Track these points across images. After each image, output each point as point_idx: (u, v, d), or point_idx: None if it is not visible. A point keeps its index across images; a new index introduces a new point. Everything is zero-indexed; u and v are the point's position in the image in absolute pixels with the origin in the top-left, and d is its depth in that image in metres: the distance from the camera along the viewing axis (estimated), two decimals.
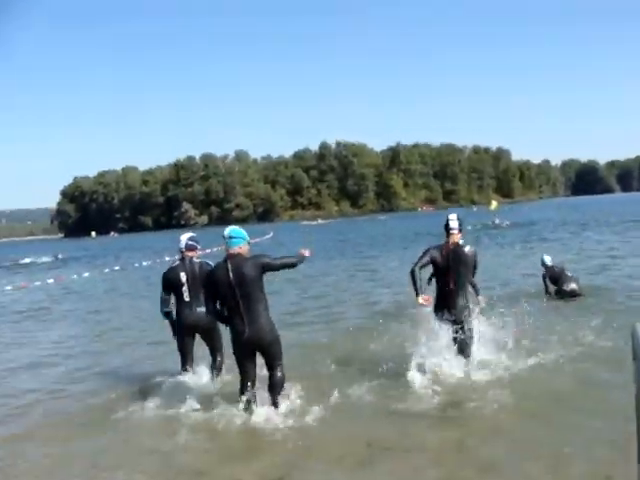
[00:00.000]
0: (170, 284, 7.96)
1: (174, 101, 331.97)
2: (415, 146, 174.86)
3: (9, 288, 24.85)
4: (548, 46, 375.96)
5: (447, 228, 7.83)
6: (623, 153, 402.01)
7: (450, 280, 7.69)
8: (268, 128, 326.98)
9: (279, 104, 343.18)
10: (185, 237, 8.17)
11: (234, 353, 6.71)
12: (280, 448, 5.98)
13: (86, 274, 28.47)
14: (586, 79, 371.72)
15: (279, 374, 6.71)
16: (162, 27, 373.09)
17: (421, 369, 7.77)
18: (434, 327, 7.83)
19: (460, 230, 7.88)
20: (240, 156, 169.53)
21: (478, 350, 7.97)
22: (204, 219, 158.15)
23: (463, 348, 7.75)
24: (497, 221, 46.75)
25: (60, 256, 50.17)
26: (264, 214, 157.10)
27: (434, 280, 8.13)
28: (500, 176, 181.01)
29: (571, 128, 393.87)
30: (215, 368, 8.14)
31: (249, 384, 6.69)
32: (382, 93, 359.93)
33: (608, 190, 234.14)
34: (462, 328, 7.68)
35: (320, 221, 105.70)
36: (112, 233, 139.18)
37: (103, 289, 23.05)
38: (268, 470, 5.52)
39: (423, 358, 7.89)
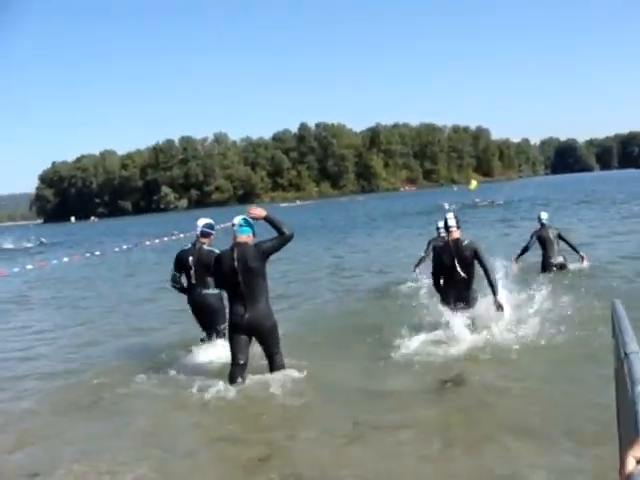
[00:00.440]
0: (180, 265, 8.46)
1: (152, 85, 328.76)
2: (395, 126, 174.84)
3: None
4: (526, 27, 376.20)
5: (446, 226, 8.31)
6: (602, 131, 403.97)
7: (455, 273, 8.10)
8: (247, 110, 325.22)
9: (258, 86, 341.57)
10: (201, 223, 8.56)
11: (229, 337, 7.00)
12: (267, 427, 6.03)
13: (65, 259, 28.17)
14: (564, 58, 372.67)
15: (279, 362, 7.04)
16: (140, 15, 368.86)
17: (412, 347, 7.91)
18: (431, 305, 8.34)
19: (458, 227, 8.32)
20: (219, 138, 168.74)
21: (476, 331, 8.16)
22: (184, 202, 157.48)
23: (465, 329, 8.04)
24: (477, 200, 46.82)
25: (44, 240, 49.75)
26: (244, 196, 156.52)
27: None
28: (480, 155, 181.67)
29: (550, 107, 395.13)
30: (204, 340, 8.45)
31: (238, 366, 6.89)
32: (361, 74, 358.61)
33: (587, 169, 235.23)
34: (469, 312, 8.10)
35: (299, 202, 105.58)
36: (92, 218, 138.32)
37: (84, 274, 22.85)
38: (255, 449, 5.52)
39: (414, 336, 8.14)
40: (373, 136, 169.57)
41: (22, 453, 6.01)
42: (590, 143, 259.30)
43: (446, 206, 45.32)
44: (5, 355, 10.39)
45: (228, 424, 6.23)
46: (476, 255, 8.09)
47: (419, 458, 5.07)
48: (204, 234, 8.48)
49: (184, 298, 8.70)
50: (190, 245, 8.53)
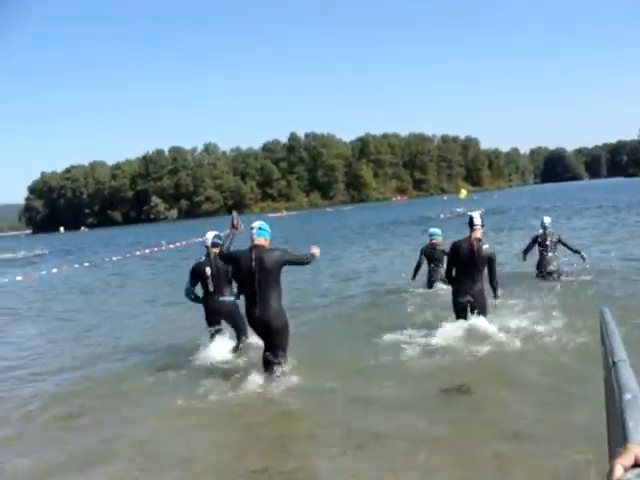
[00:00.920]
0: (197, 276, 9.08)
1: (141, 95, 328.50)
2: (384, 136, 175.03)
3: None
4: (514, 34, 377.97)
5: (471, 224, 8.81)
6: (591, 140, 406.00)
7: (471, 266, 8.62)
8: (236, 120, 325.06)
9: (247, 96, 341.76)
10: (210, 235, 9.25)
11: (252, 328, 7.68)
12: (262, 436, 6.08)
13: (54, 270, 28.18)
14: (552, 68, 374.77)
15: (279, 359, 7.37)
16: (130, 24, 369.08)
17: (411, 354, 8.23)
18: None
19: (482, 226, 8.88)
20: (209, 149, 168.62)
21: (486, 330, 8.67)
22: (174, 213, 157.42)
23: (475, 327, 8.66)
24: (459, 210, 47.35)
25: (44, 251, 50.76)
26: (234, 206, 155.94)
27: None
28: (469, 165, 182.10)
29: (539, 116, 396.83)
30: (238, 347, 8.96)
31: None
32: (350, 84, 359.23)
33: (576, 177, 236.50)
34: (476, 311, 8.68)
35: (285, 213, 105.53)
36: (83, 228, 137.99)
37: (73, 286, 22.77)
38: (249, 459, 5.50)
39: (412, 343, 8.62)
40: (363, 146, 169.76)
41: (22, 463, 5.99)
42: (579, 152, 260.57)
43: (442, 216, 45.65)
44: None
45: (224, 433, 6.27)
46: (490, 262, 8.70)
47: (414, 469, 5.05)
48: (215, 244, 8.97)
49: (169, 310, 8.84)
50: (204, 257, 9.13)
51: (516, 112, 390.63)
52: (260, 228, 7.57)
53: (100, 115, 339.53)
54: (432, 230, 13.58)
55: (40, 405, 7.85)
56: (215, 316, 9.06)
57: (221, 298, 8.97)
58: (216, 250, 8.69)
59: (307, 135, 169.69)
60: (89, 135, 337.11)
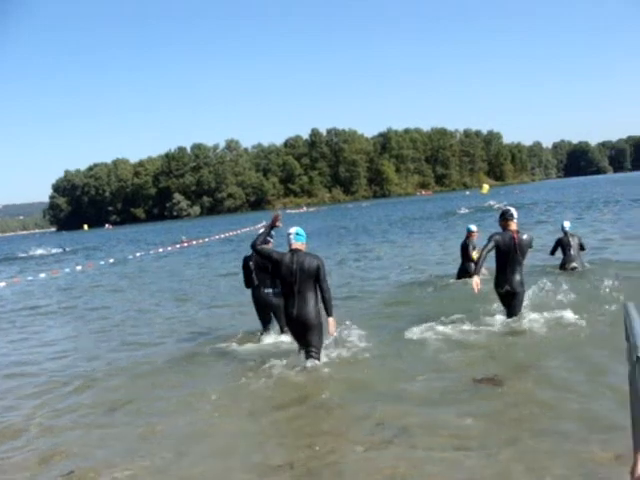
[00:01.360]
0: (246, 267, 9.81)
1: (164, 93, 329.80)
2: (406, 131, 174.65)
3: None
4: (537, 31, 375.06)
5: (507, 216, 9.16)
6: (615, 134, 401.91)
7: (510, 260, 8.99)
8: (258, 117, 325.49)
9: (269, 93, 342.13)
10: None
11: (289, 328, 8.14)
12: (290, 431, 6.13)
13: (78, 267, 28.46)
14: (575, 61, 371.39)
15: (313, 354, 7.87)
16: (151, 23, 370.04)
17: (446, 344, 8.60)
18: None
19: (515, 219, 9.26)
20: (231, 145, 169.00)
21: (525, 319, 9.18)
22: (196, 210, 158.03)
23: (514, 313, 9.13)
24: (492, 203, 47.76)
25: (67, 249, 52.98)
26: (256, 203, 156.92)
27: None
28: (492, 159, 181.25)
29: (562, 110, 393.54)
30: (279, 336, 9.70)
31: (301, 351, 8.01)
32: (372, 80, 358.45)
33: (600, 171, 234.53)
34: (515, 299, 9.10)
35: (305, 209, 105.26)
36: (107, 225, 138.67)
37: (107, 282, 22.95)
38: (277, 455, 5.48)
39: (449, 332, 9.07)
40: (384, 141, 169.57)
41: (56, 460, 6.03)
42: (602, 145, 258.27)
43: (462, 211, 45.53)
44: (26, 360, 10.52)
45: (252, 425, 6.34)
46: (528, 247, 9.18)
47: (441, 463, 5.00)
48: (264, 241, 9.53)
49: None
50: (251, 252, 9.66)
51: (538, 106, 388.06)
52: (297, 234, 8.04)
53: (123, 114, 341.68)
54: (469, 226, 14.31)
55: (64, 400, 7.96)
56: (260, 307, 9.76)
57: (265, 290, 9.65)
58: (264, 246, 9.36)
59: (329, 131, 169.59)
60: (112, 133, 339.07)
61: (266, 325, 9.86)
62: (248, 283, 9.88)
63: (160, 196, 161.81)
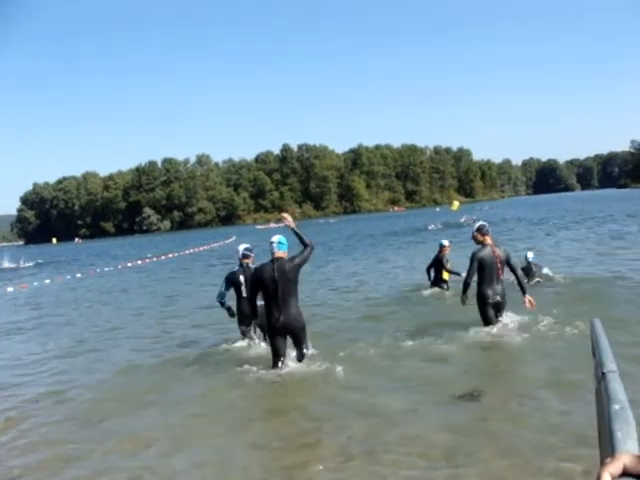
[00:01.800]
0: (232, 283, 10.10)
1: (134, 106, 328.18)
2: (377, 147, 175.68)
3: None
4: (507, 46, 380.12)
5: (484, 231, 9.60)
6: (582, 152, 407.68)
7: (493, 272, 9.42)
8: (229, 132, 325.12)
9: (240, 107, 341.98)
10: (242, 248, 10.41)
11: (269, 335, 8.43)
12: (278, 447, 6.04)
13: (47, 281, 28.18)
14: (544, 79, 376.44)
15: (303, 351, 8.40)
16: (122, 34, 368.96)
17: (427, 356, 8.69)
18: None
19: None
20: (202, 160, 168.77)
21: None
22: (166, 224, 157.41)
23: (499, 321, 9.53)
24: (462, 220, 48.26)
25: (40, 261, 52.87)
26: (227, 218, 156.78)
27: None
28: (461, 176, 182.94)
29: (531, 128, 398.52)
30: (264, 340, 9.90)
31: (280, 360, 8.25)
32: (343, 96, 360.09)
33: (568, 188, 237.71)
34: (504, 308, 9.59)
35: (273, 225, 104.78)
36: (76, 239, 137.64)
37: (74, 297, 22.71)
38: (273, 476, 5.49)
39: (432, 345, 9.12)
40: (355, 157, 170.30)
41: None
42: (571, 163, 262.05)
43: (430, 227, 45.86)
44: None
45: (226, 439, 6.29)
46: (508, 260, 9.61)
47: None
48: (245, 255, 10.24)
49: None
50: (238, 267, 10.23)
51: (508, 124, 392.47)
52: (280, 242, 8.38)
53: (93, 126, 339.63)
54: (441, 241, 15.21)
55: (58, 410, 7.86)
56: (248, 318, 9.81)
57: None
58: (247, 261, 10.17)
59: (300, 146, 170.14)
60: (82, 146, 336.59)
61: (246, 335, 10.11)
62: (222, 298, 10.19)
63: (130, 210, 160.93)
